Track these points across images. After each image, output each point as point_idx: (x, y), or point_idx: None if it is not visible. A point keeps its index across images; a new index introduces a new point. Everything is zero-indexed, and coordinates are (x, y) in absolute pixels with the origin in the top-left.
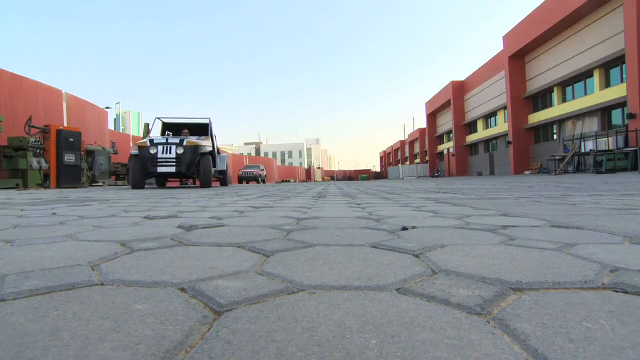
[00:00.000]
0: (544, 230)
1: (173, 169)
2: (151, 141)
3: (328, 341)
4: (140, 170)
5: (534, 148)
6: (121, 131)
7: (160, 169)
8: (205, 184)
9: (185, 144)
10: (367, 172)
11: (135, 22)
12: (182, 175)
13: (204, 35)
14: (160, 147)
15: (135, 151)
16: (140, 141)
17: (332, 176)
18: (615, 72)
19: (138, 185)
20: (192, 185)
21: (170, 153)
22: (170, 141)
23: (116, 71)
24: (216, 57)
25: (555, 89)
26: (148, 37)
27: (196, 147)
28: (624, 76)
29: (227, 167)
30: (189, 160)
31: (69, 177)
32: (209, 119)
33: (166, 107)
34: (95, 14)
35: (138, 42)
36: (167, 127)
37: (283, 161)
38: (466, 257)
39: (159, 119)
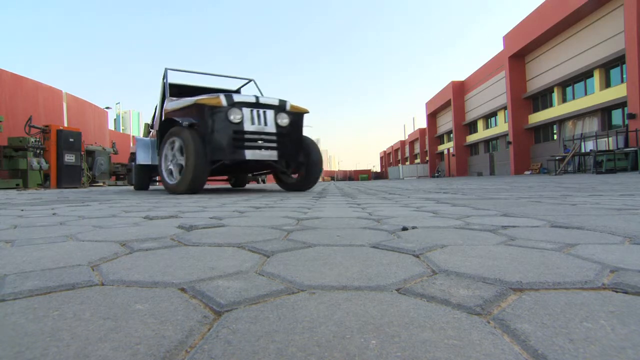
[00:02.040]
0: (544, 230)
1: (274, 154)
2: (228, 97)
3: (328, 341)
4: (203, 155)
5: (534, 148)
6: (121, 131)
7: (251, 153)
8: (312, 181)
9: (288, 108)
10: (367, 172)
11: (135, 22)
12: (276, 168)
13: (203, 34)
14: (246, 112)
15: (183, 117)
16: (202, 97)
17: (332, 176)
18: (615, 72)
19: (197, 184)
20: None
21: (265, 124)
22: (262, 101)
23: (116, 71)
24: (215, 54)
25: (555, 89)
26: (148, 36)
27: (302, 116)
28: (624, 76)
29: None
30: (295, 140)
31: (69, 177)
32: (253, 80)
33: None
34: (96, 13)
35: (138, 42)
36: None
37: None
38: (466, 257)
39: (166, 71)
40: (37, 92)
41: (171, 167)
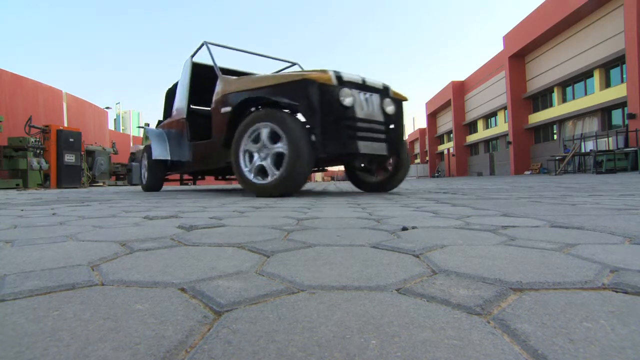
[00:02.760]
0: (544, 230)
1: (383, 148)
2: (338, 76)
3: (328, 341)
4: (312, 146)
5: (534, 148)
6: (121, 131)
7: (364, 146)
8: (399, 181)
9: (391, 94)
10: None
11: (135, 22)
12: (358, 164)
13: (202, 34)
14: (355, 94)
15: (274, 97)
16: (307, 71)
17: (333, 176)
18: (615, 72)
19: (302, 183)
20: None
21: (373, 110)
22: (368, 83)
23: (116, 71)
24: (214, 54)
25: (555, 89)
26: (148, 36)
27: (402, 104)
28: (624, 76)
29: None
30: (400, 132)
31: (69, 177)
32: (297, 64)
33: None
34: (96, 13)
35: (138, 42)
36: (197, 77)
37: None
38: (466, 257)
39: (207, 45)
40: (37, 92)
41: (261, 162)
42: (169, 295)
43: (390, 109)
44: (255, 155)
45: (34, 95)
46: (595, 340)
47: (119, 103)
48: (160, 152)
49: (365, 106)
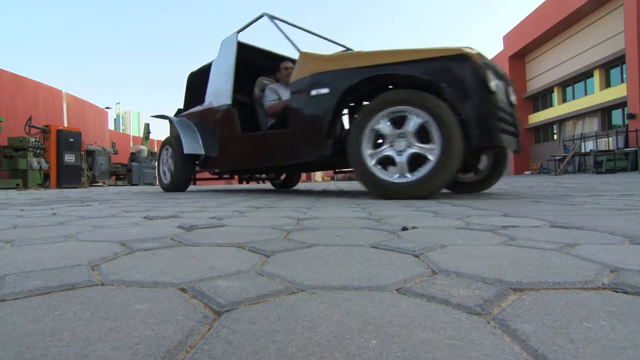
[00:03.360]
0: (544, 230)
1: (512, 142)
2: (485, 63)
3: (328, 341)
4: (461, 136)
5: (534, 148)
6: (121, 131)
7: (505, 139)
8: (495, 180)
9: (510, 84)
10: None
11: (135, 22)
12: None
13: (201, 33)
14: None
15: (420, 75)
16: (459, 46)
17: (332, 176)
18: (615, 72)
19: (443, 186)
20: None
21: (503, 98)
22: (498, 69)
23: (116, 71)
24: (212, 54)
25: (555, 89)
26: (148, 36)
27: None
28: (624, 76)
29: None
30: (518, 125)
31: (69, 177)
32: (352, 50)
33: (166, 105)
34: (96, 13)
35: (139, 42)
36: (245, 59)
37: None
38: (466, 257)
39: (272, 19)
40: (37, 92)
41: (398, 156)
42: (169, 295)
43: (513, 98)
44: (388, 149)
45: (34, 95)
46: (595, 340)
47: (119, 103)
48: (193, 145)
49: (500, 94)
